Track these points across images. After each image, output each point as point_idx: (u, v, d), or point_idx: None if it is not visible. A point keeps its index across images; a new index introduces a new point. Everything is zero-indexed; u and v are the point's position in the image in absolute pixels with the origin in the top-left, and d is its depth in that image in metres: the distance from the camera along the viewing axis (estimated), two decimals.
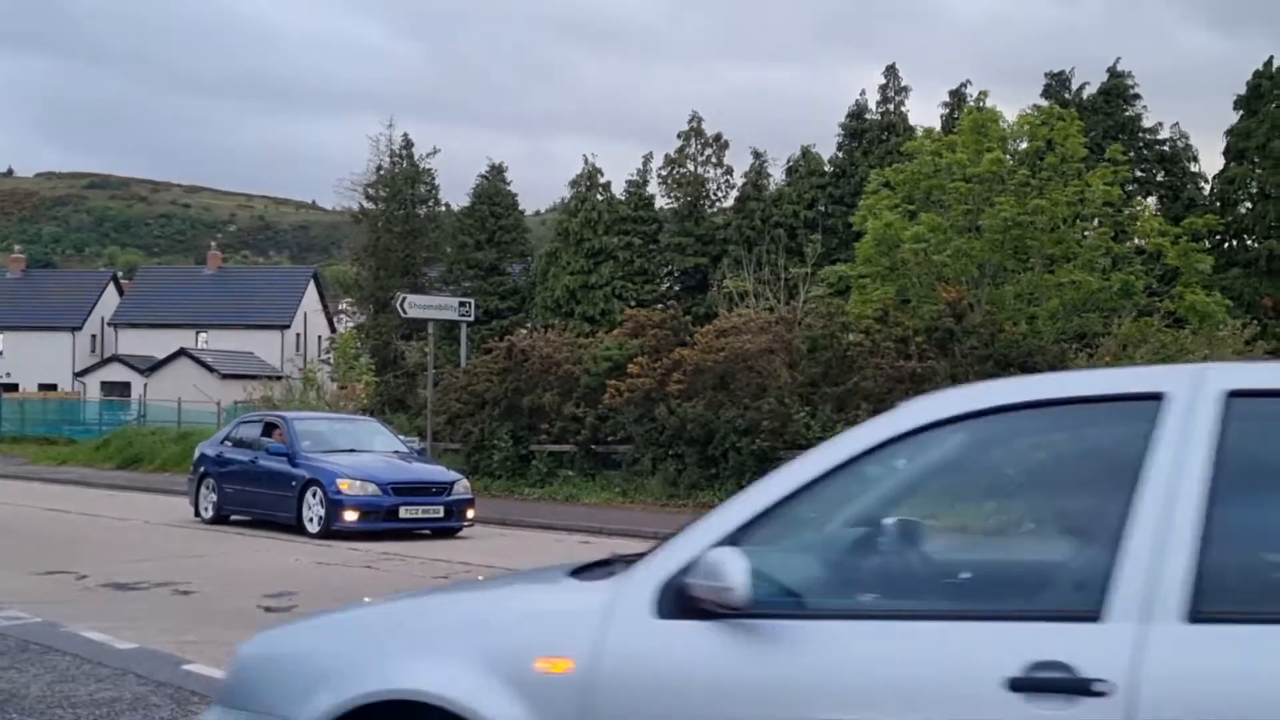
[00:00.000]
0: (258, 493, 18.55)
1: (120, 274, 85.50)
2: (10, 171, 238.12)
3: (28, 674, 7.96)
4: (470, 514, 17.93)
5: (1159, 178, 45.57)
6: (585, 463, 24.34)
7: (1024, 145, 28.42)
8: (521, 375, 25.26)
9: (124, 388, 59.31)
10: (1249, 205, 41.88)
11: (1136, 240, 28.45)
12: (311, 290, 72.24)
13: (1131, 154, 38.83)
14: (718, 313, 28.85)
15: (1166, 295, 27.29)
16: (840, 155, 52.02)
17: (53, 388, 65.90)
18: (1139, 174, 43.11)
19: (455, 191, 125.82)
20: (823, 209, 50.59)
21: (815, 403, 21.48)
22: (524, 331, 33.98)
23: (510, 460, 24.80)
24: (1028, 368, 20.20)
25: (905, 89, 52.16)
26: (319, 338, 69.31)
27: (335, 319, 72.30)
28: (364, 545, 15.89)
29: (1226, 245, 40.40)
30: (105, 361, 64.49)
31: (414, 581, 12.71)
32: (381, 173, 55.86)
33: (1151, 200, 41.05)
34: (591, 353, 25.19)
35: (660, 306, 26.46)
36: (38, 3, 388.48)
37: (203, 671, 7.99)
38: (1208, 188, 44.81)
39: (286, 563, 14.25)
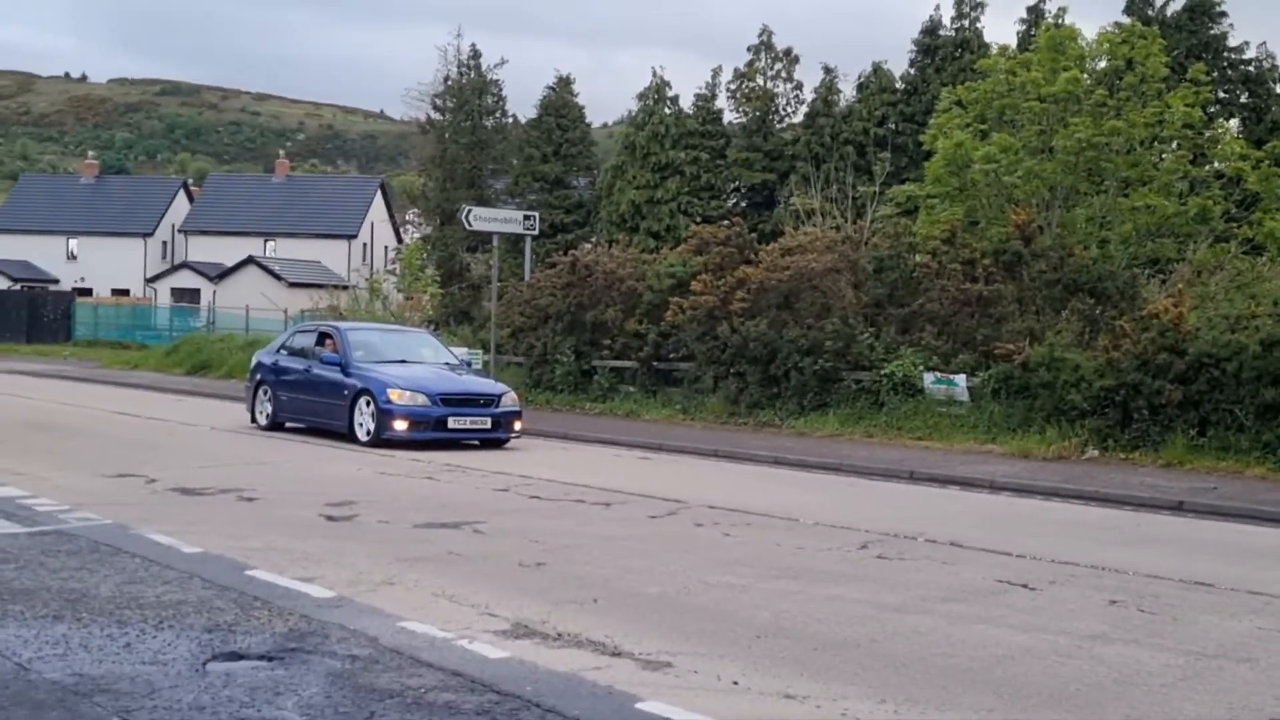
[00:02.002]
0: (311, 401, 18.84)
1: (191, 181, 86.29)
2: (84, 77, 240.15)
3: (98, 574, 8.15)
4: (518, 426, 18.06)
5: (1243, 99, 44.31)
6: (646, 379, 24.36)
7: (1102, 64, 27.73)
8: (585, 290, 25.24)
9: (194, 294, 60.12)
10: None
11: (1216, 164, 27.76)
12: (378, 200, 72.44)
13: (1214, 74, 37.80)
14: (783, 230, 28.57)
15: (1245, 221, 26.64)
16: (912, 72, 51.10)
17: (125, 293, 66.97)
18: (1222, 95, 41.96)
19: (522, 103, 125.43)
20: (893, 127, 49.82)
21: (879, 324, 21.28)
22: (588, 246, 33.91)
23: (572, 375, 24.88)
24: (1097, 293, 19.87)
25: (981, 4, 50.94)
26: (385, 248, 69.63)
27: (401, 229, 72.54)
28: (425, 455, 16.06)
29: None
30: (176, 268, 65.30)
31: (474, 493, 12.85)
32: (449, 83, 55.69)
33: (1234, 123, 39.94)
34: (655, 269, 25.09)
35: (725, 223, 26.19)
36: None
37: (265, 577, 8.14)
38: None
39: (348, 472, 14.43)
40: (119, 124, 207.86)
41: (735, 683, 6.09)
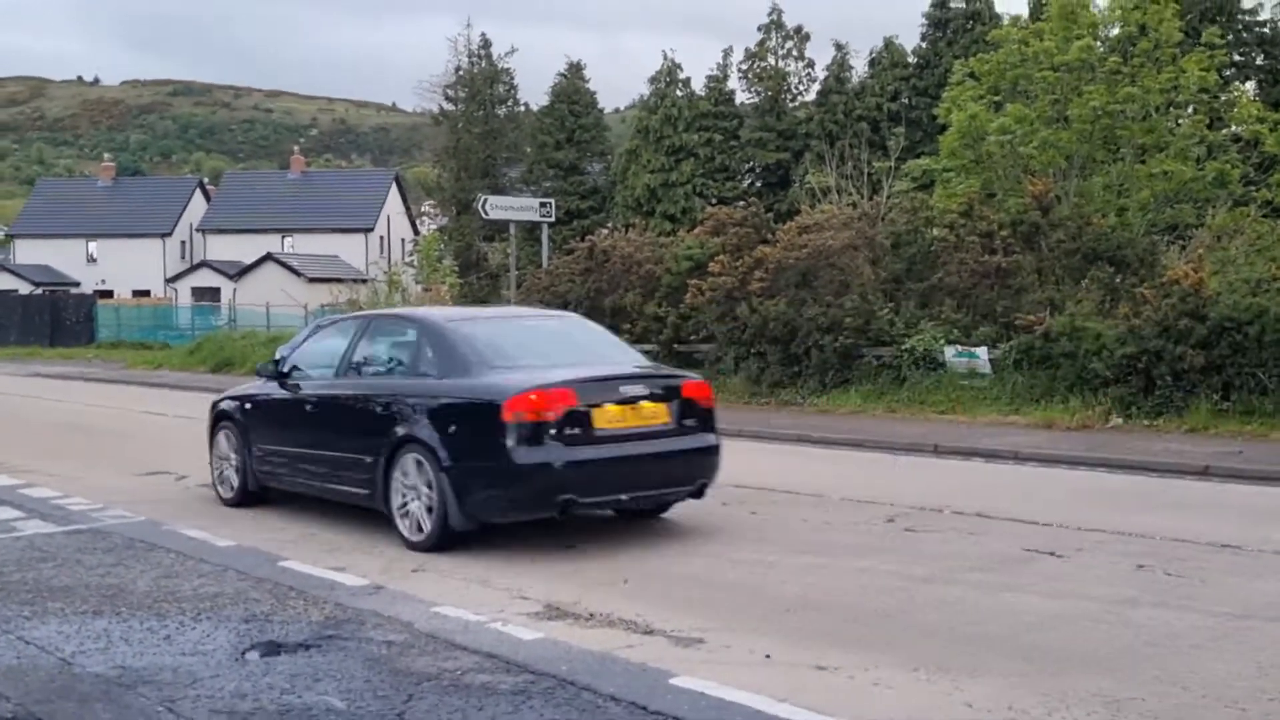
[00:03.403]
0: None
1: (206, 180, 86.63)
2: (97, 80, 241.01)
3: (134, 570, 8.27)
4: None
5: (1258, 61, 43.99)
6: (668, 362, 24.37)
7: (1115, 31, 27.56)
8: (603, 275, 25.28)
9: (214, 293, 60.37)
10: None
11: (1233, 127, 27.57)
12: (394, 193, 72.59)
13: (1229, 37, 37.53)
14: (799, 209, 28.54)
15: (1264, 184, 26.48)
16: (924, 46, 50.94)
17: (146, 294, 67.30)
18: (1237, 58, 41.63)
19: (534, 91, 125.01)
20: (906, 101, 49.69)
21: (899, 299, 21.27)
22: (605, 231, 33.94)
23: None
24: (1117, 261, 19.81)
25: None
26: (402, 240, 69.81)
27: (418, 221, 72.71)
28: None
29: None
30: (195, 267, 65.59)
31: None
32: (460, 74, 55.81)
33: (1250, 85, 39.65)
34: (673, 252, 25.11)
35: (741, 204, 26.20)
36: None
37: (299, 568, 8.26)
38: None
39: None
40: (133, 126, 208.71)
41: (767, 656, 6.16)
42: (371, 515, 10.05)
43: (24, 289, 65.61)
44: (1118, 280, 19.30)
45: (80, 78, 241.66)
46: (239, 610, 7.13)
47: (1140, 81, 24.90)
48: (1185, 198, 25.27)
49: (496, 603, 7.26)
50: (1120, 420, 16.57)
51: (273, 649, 6.33)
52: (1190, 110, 26.68)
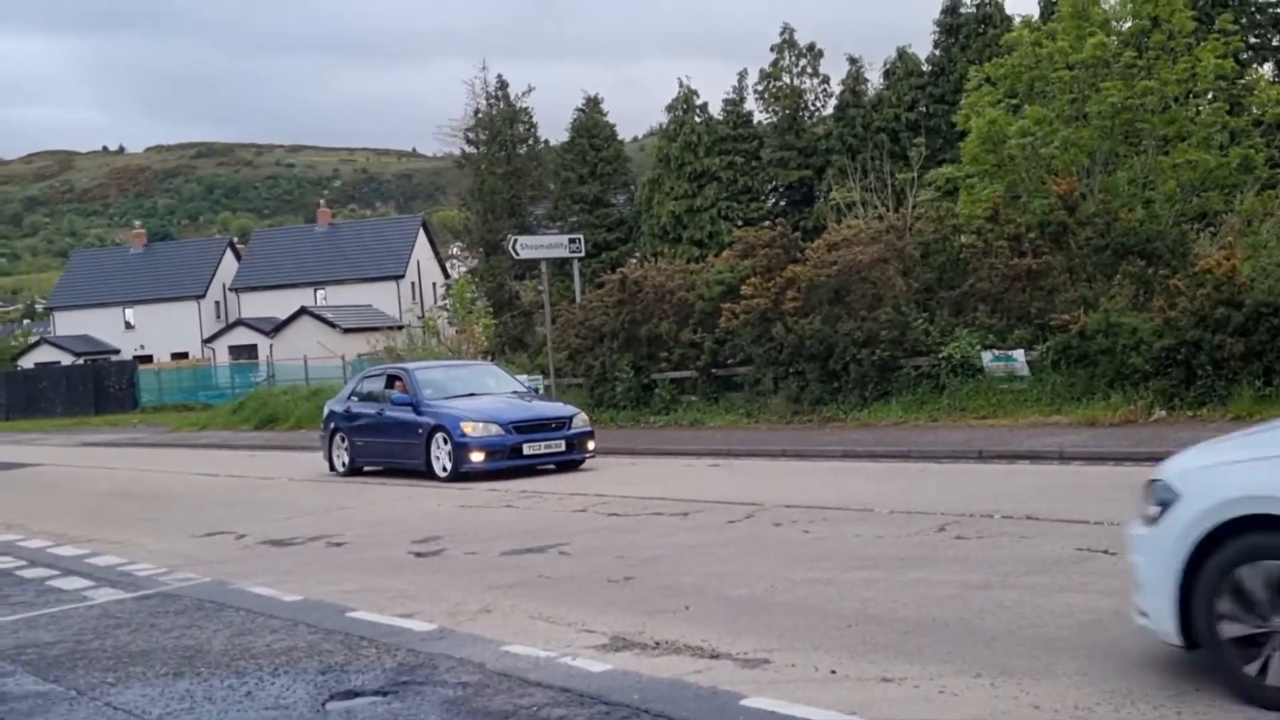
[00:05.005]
0: (387, 443, 19.20)
1: (235, 239, 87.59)
2: (122, 149, 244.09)
3: (207, 630, 8.47)
4: (590, 446, 18.28)
5: (1274, 43, 43.84)
6: (706, 387, 24.56)
7: (1128, 26, 27.57)
8: (636, 306, 25.50)
9: (250, 350, 61.04)
10: None
11: (1254, 111, 27.51)
12: (422, 238, 73.18)
13: (1243, 22, 37.46)
14: (826, 225, 28.68)
15: None
16: (937, 53, 50.98)
17: (184, 355, 68.09)
18: (1252, 41, 41.50)
19: (552, 126, 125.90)
20: (924, 110, 49.73)
21: (932, 308, 21.37)
22: (634, 261, 34.18)
23: (633, 390, 25.12)
24: (1148, 254, 19.84)
25: None
26: (433, 284, 70.33)
27: (447, 264, 73.21)
28: (501, 485, 16.35)
29: None
30: (230, 326, 66.31)
31: (554, 517, 13.10)
32: (480, 115, 56.26)
33: (1267, 68, 39.55)
34: (704, 277, 25.30)
35: (768, 224, 26.42)
36: None
37: (367, 617, 8.43)
38: None
39: (428, 508, 14.74)
40: (159, 190, 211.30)
41: (833, 671, 6.29)
42: (429, 563, 10.24)
43: (65, 360, 66.58)
44: (1150, 273, 19.32)
45: (105, 147, 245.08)
46: (314, 662, 7.31)
47: (1157, 74, 24.91)
48: (1211, 185, 25.22)
49: (563, 638, 7.42)
50: (1164, 413, 16.59)
51: (351, 698, 6.50)
52: (1209, 98, 26.64)
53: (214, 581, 10.40)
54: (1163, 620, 5.61)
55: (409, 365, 21.21)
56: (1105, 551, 8.71)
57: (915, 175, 29.33)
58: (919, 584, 8.17)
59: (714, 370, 24.36)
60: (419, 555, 11.07)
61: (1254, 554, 5.26)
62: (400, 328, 41.88)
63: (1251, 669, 5.25)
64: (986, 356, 19.59)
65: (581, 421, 18.39)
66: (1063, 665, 6.09)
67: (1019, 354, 19.27)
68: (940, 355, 20.08)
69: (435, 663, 7.07)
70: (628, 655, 6.91)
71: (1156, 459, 13.42)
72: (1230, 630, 5.32)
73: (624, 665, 6.69)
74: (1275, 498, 5.19)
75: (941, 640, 6.75)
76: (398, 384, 19.46)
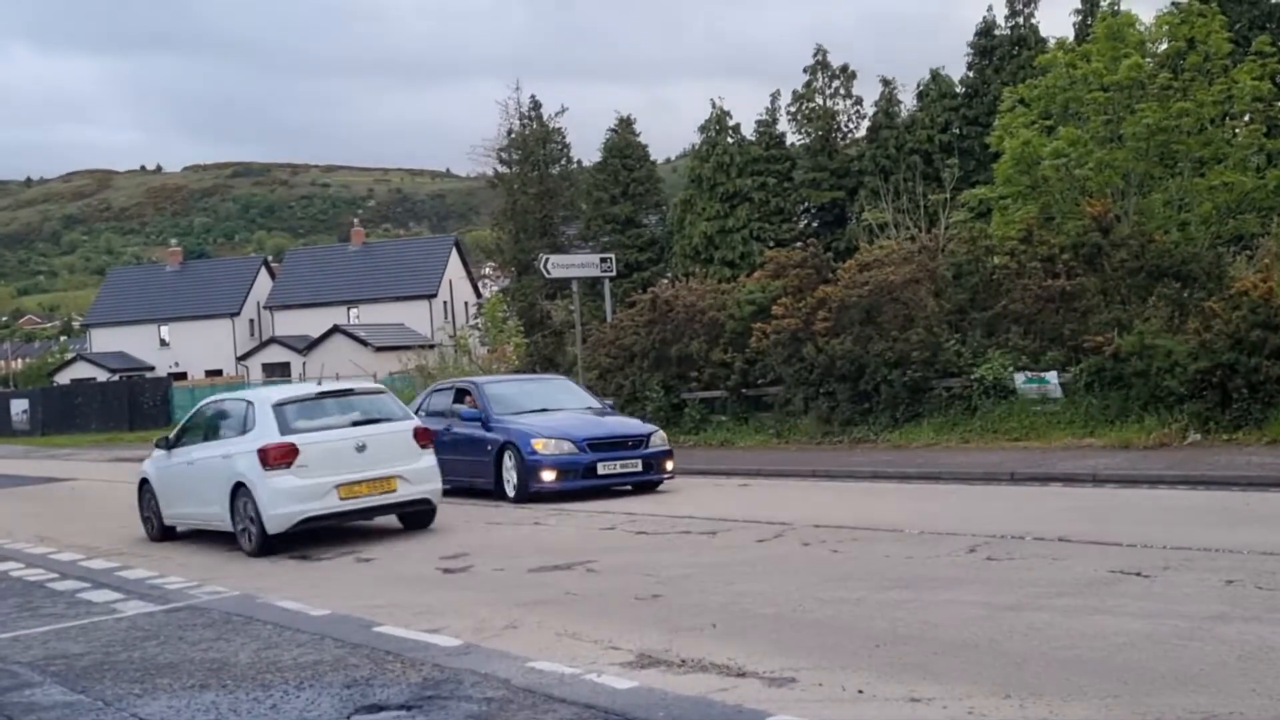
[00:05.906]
0: (454, 460, 17.19)
1: (270, 258, 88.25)
2: (159, 168, 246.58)
3: (234, 643, 8.49)
4: (669, 466, 17.15)
5: None
6: (737, 407, 24.50)
7: (1163, 47, 27.44)
8: (667, 325, 25.48)
9: (284, 368, 61.39)
10: None
11: None
12: (454, 258, 73.50)
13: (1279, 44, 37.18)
14: (858, 246, 28.60)
15: None
16: (971, 75, 50.95)
17: (218, 373, 68.55)
18: None
19: (585, 146, 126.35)
20: (957, 132, 49.66)
21: (964, 329, 21.25)
22: (665, 281, 34.20)
23: (663, 410, 25.06)
24: (1183, 276, 19.67)
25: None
26: (465, 304, 70.59)
27: (480, 284, 73.49)
28: (536, 505, 16.22)
29: None
30: (264, 344, 66.74)
31: (580, 534, 13.06)
32: (513, 136, 56.53)
33: None
34: (735, 297, 25.26)
35: (799, 245, 26.38)
36: (165, 5, 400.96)
37: (393, 632, 8.42)
38: None
39: (457, 524, 14.70)
40: (196, 209, 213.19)
41: (860, 691, 6.23)
42: (456, 580, 10.21)
43: (101, 376, 67.16)
44: (1185, 295, 19.15)
45: (143, 167, 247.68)
46: (340, 676, 7.31)
47: (1193, 95, 24.76)
48: (1248, 207, 25.02)
49: (589, 654, 7.39)
50: (1199, 436, 16.42)
51: (376, 712, 6.49)
52: (1246, 120, 26.47)
53: (242, 595, 10.43)
54: None
55: (479, 379, 20.43)
56: (1138, 574, 8.61)
57: (948, 196, 29.21)
58: (949, 605, 8.09)
59: (744, 390, 24.30)
60: (446, 571, 11.06)
61: None
62: (432, 346, 42.00)
63: None
64: (1019, 378, 19.46)
65: (660, 440, 17.31)
66: (1094, 686, 6.01)
67: (1052, 375, 19.13)
68: (972, 377, 19.96)
69: (460, 678, 7.05)
70: (654, 673, 6.87)
71: (1191, 483, 13.39)
72: None
73: (650, 683, 6.65)
74: None
75: (971, 661, 6.67)
76: (467, 398, 18.49)
